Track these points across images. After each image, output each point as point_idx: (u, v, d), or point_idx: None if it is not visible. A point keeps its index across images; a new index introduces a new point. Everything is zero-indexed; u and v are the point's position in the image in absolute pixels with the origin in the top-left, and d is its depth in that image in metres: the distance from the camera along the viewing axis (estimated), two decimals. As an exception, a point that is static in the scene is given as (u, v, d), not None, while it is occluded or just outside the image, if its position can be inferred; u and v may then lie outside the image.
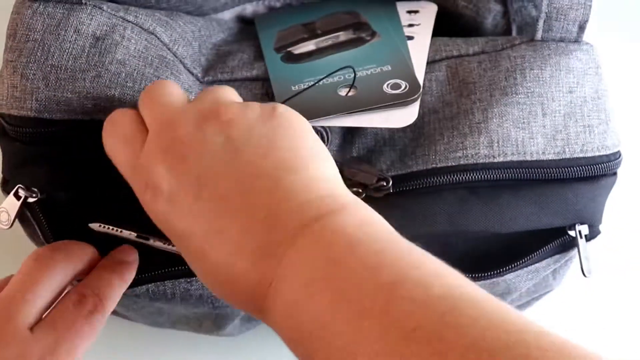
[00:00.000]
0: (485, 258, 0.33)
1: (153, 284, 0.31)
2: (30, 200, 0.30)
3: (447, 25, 0.38)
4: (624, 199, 0.41)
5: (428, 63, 0.34)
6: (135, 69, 0.31)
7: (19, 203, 0.30)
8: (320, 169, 0.26)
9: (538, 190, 0.32)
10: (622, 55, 0.50)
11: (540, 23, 0.33)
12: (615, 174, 0.33)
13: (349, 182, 0.30)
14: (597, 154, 0.32)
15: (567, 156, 0.32)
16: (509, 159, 0.31)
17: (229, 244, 0.24)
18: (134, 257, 0.30)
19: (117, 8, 0.32)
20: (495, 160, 0.31)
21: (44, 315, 0.28)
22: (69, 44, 0.30)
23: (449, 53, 0.34)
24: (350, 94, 0.33)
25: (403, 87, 0.33)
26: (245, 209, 0.24)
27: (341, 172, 0.27)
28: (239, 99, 0.28)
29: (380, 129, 0.33)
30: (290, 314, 0.22)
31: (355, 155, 0.33)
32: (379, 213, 0.25)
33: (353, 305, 0.21)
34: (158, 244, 0.31)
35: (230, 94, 0.28)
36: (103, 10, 0.31)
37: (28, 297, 0.27)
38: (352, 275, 0.21)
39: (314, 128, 0.28)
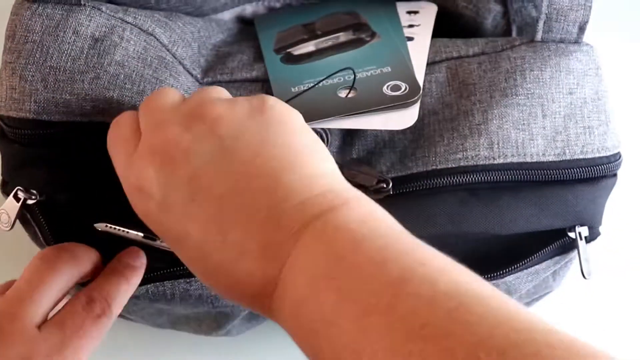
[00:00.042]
0: (485, 260, 0.33)
1: (152, 284, 0.31)
2: (30, 202, 0.30)
3: (447, 25, 0.38)
4: (624, 201, 0.41)
5: (428, 64, 0.34)
6: (134, 71, 0.31)
7: (18, 205, 0.30)
8: (318, 164, 0.25)
9: (538, 191, 0.32)
10: (622, 56, 0.50)
11: (540, 24, 0.33)
12: (615, 175, 0.33)
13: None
14: (597, 155, 0.32)
15: (567, 157, 0.32)
16: (509, 160, 0.31)
17: (230, 247, 0.24)
18: (141, 262, 0.30)
19: (116, 9, 0.32)
20: (496, 162, 0.31)
21: (50, 316, 0.28)
22: (67, 46, 0.30)
23: (448, 54, 0.34)
24: (350, 95, 0.33)
25: (403, 88, 0.33)
26: (244, 210, 0.24)
27: (341, 173, 0.27)
28: (228, 97, 0.28)
29: (380, 130, 0.33)
30: (296, 313, 0.22)
31: (355, 157, 0.33)
32: None
33: (358, 303, 0.20)
34: (164, 244, 0.31)
35: (219, 93, 0.27)
36: (102, 11, 0.31)
37: (35, 297, 0.27)
38: (356, 273, 0.21)
39: (314, 130, 0.28)
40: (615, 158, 0.33)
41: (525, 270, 0.33)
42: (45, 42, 0.30)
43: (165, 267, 0.31)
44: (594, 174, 0.32)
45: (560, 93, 0.33)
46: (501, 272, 0.33)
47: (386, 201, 0.31)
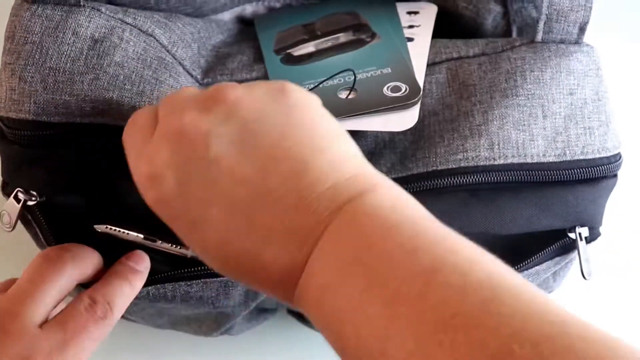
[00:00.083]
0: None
1: (153, 286, 0.31)
2: (30, 203, 0.30)
3: (447, 26, 0.38)
4: (625, 201, 0.41)
5: (428, 65, 0.34)
6: (133, 71, 0.31)
7: (19, 206, 0.30)
8: (344, 148, 0.25)
9: (538, 192, 0.32)
10: (623, 57, 0.50)
11: (541, 25, 0.33)
12: (615, 175, 0.33)
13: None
14: (597, 155, 0.32)
15: (568, 158, 0.32)
16: (509, 161, 0.31)
17: (255, 232, 0.23)
18: (145, 266, 0.30)
19: (116, 10, 0.32)
20: (496, 163, 0.31)
21: (51, 316, 0.28)
22: (67, 47, 0.30)
23: (449, 55, 0.34)
24: (350, 96, 0.33)
25: (403, 89, 0.33)
26: (272, 194, 0.23)
27: None
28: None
29: (380, 131, 0.33)
30: (322, 299, 0.22)
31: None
32: None
33: (388, 290, 0.20)
34: (165, 245, 0.31)
35: (235, 84, 0.27)
36: (101, 12, 0.31)
37: (36, 295, 0.27)
38: (387, 260, 0.21)
39: None
40: (616, 159, 0.33)
41: (525, 271, 0.33)
42: (44, 43, 0.30)
43: (166, 270, 0.31)
44: (594, 175, 0.32)
45: (560, 94, 0.33)
46: (502, 272, 0.33)
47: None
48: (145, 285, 0.31)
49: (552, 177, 0.32)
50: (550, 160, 0.32)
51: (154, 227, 0.32)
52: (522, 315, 0.19)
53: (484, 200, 0.32)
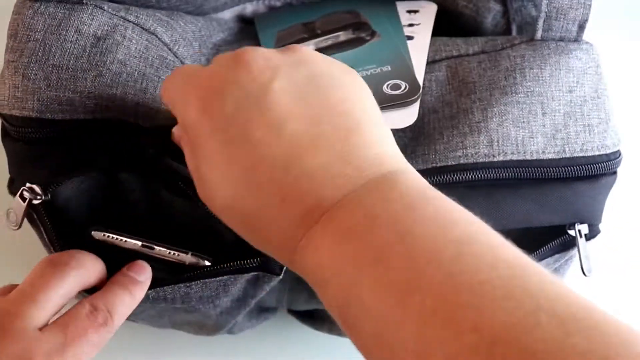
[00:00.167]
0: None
1: (153, 290, 0.31)
2: (35, 202, 0.30)
3: (447, 24, 0.38)
4: (624, 198, 0.41)
5: (428, 63, 0.34)
6: (136, 69, 0.31)
7: (25, 204, 0.30)
8: (388, 131, 0.26)
9: (538, 189, 0.32)
10: (622, 54, 0.50)
11: (540, 22, 0.33)
12: (615, 173, 0.33)
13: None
14: (596, 153, 0.32)
15: (567, 155, 0.32)
16: (508, 158, 0.31)
17: (293, 166, 0.23)
18: (146, 276, 0.30)
19: (118, 8, 0.32)
20: (495, 160, 0.31)
21: (51, 321, 0.28)
22: (70, 44, 0.30)
23: (448, 53, 0.34)
24: (350, 93, 0.33)
25: (403, 87, 0.33)
26: (320, 138, 0.24)
27: None
28: None
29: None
30: (345, 241, 0.22)
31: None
32: None
33: (426, 253, 0.21)
34: (163, 252, 0.31)
35: None
36: (104, 10, 0.31)
37: (38, 299, 0.27)
38: (426, 223, 0.22)
39: None
40: (615, 156, 0.33)
41: (525, 268, 0.33)
42: (47, 41, 0.30)
43: (164, 277, 0.31)
44: (593, 172, 0.32)
45: (560, 91, 0.33)
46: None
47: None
48: None
49: (551, 174, 0.32)
50: (550, 157, 0.32)
51: (154, 224, 0.32)
52: (548, 293, 0.19)
53: (483, 196, 0.32)
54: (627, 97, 0.48)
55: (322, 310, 0.38)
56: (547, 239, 0.33)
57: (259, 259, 0.31)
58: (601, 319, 0.19)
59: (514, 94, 0.32)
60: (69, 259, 0.29)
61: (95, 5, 0.31)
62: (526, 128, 0.32)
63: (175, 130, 0.29)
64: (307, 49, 0.26)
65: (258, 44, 0.36)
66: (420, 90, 0.33)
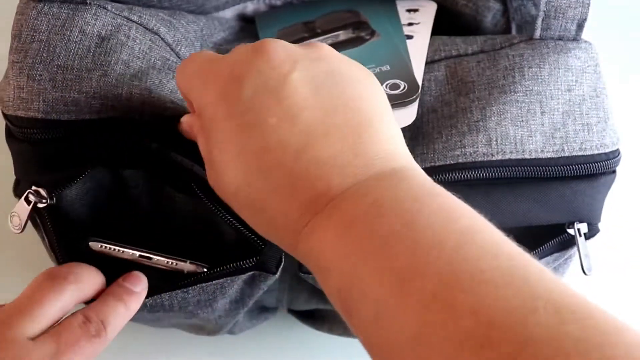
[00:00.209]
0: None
1: (150, 298, 0.31)
2: (40, 205, 0.30)
3: (446, 23, 0.39)
4: (623, 197, 0.41)
5: (427, 63, 0.34)
6: (139, 70, 0.31)
7: (29, 208, 0.30)
8: (400, 133, 0.26)
9: (536, 187, 0.32)
10: (621, 53, 0.50)
11: (539, 22, 0.33)
12: (614, 172, 0.33)
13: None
14: (595, 152, 0.32)
15: (566, 154, 0.32)
16: (507, 157, 0.32)
17: (306, 154, 0.24)
18: (142, 287, 0.30)
19: (121, 8, 0.32)
20: (494, 159, 0.31)
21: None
22: (74, 44, 0.30)
23: (447, 53, 0.35)
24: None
25: (402, 87, 0.33)
26: (332, 129, 0.24)
27: None
28: None
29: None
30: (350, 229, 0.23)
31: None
32: None
33: (429, 241, 0.21)
34: (161, 261, 0.31)
35: None
36: (107, 10, 0.31)
37: (33, 312, 0.27)
38: (433, 215, 0.22)
39: None
40: (614, 155, 0.33)
41: (524, 266, 0.33)
42: (52, 41, 0.30)
43: (162, 285, 0.31)
44: (592, 171, 0.32)
45: (558, 90, 0.33)
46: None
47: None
48: None
49: (550, 173, 0.32)
50: (549, 156, 0.32)
51: (156, 222, 0.32)
52: (546, 284, 0.20)
53: (482, 195, 0.32)
54: (627, 96, 0.48)
55: (322, 310, 0.38)
56: (546, 238, 0.33)
57: (254, 258, 0.31)
58: (595, 311, 0.19)
59: (512, 93, 0.32)
60: (67, 274, 0.29)
61: (98, 5, 0.31)
62: (525, 127, 0.32)
63: (185, 118, 0.30)
64: (328, 47, 0.27)
65: (258, 43, 0.37)
66: (419, 90, 0.33)
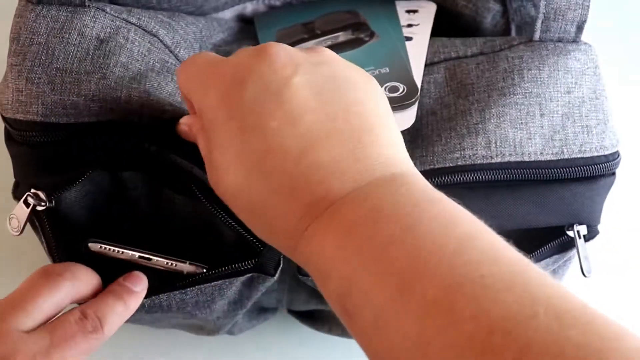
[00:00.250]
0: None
1: (148, 298, 0.31)
2: (39, 208, 0.30)
3: (446, 24, 0.38)
4: (623, 199, 0.41)
5: (426, 65, 0.34)
6: (138, 73, 0.31)
7: (28, 210, 0.30)
8: (400, 139, 0.26)
9: (536, 190, 0.32)
10: (620, 55, 0.50)
11: (539, 24, 0.33)
12: (613, 174, 0.33)
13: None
14: (595, 154, 0.32)
15: (565, 156, 0.32)
16: (506, 159, 0.32)
17: (306, 157, 0.24)
18: (142, 287, 0.30)
19: (120, 10, 0.32)
20: (493, 161, 0.31)
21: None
22: (73, 47, 0.30)
23: (447, 55, 0.35)
24: (349, 95, 0.33)
25: (401, 90, 0.33)
26: (334, 133, 0.24)
27: None
28: None
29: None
30: (352, 232, 0.23)
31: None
32: None
33: (429, 246, 0.21)
34: (161, 262, 0.31)
35: None
36: (106, 12, 0.31)
37: (27, 307, 0.27)
38: (433, 220, 0.22)
39: None
40: (614, 157, 0.33)
41: (523, 268, 0.33)
42: (50, 44, 0.30)
43: (161, 286, 0.31)
44: (592, 173, 0.32)
45: (558, 92, 0.33)
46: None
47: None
48: None
49: (549, 175, 0.32)
50: (548, 159, 0.32)
51: (155, 224, 0.32)
52: (546, 289, 0.20)
53: (481, 197, 0.32)
54: (626, 97, 0.48)
55: (322, 310, 0.38)
56: (545, 240, 0.33)
57: (253, 260, 0.31)
58: (596, 316, 0.19)
59: (512, 95, 0.32)
60: (63, 271, 0.29)
61: (97, 8, 0.31)
62: (524, 129, 0.32)
63: (184, 119, 0.30)
64: (330, 51, 0.27)
65: (257, 44, 0.37)
66: (419, 93, 0.33)
